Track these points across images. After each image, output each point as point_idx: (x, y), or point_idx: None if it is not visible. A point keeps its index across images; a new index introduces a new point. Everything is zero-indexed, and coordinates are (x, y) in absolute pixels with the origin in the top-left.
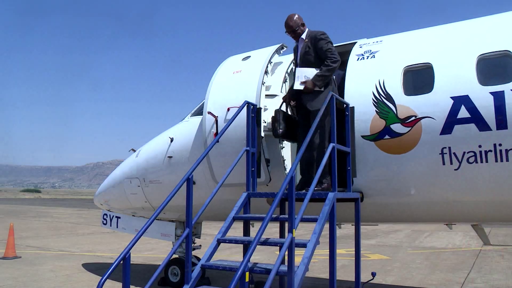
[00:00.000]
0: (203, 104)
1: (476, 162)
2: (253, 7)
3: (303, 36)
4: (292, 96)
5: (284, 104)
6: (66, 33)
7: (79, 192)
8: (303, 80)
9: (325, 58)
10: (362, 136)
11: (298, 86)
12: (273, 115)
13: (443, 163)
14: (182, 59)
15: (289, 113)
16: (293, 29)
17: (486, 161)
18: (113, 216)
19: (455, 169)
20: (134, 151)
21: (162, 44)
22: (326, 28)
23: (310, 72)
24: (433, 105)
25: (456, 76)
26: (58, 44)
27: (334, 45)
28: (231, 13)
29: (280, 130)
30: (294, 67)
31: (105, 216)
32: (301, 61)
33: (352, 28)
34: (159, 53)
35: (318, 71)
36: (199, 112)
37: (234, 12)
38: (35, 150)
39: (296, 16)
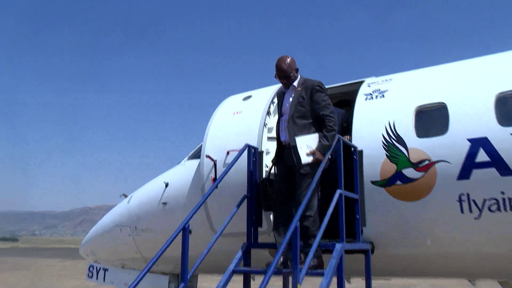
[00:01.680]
0: (200, 146)
1: (499, 211)
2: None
3: (295, 83)
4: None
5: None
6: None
7: (63, 240)
8: (308, 150)
9: (323, 116)
10: (372, 182)
11: (306, 159)
12: (260, 185)
13: (462, 211)
14: (187, 72)
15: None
16: (287, 75)
17: (511, 209)
18: (100, 268)
19: (475, 218)
20: (126, 196)
21: (167, 60)
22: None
23: (311, 140)
24: (448, 148)
25: (473, 117)
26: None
27: (341, 84)
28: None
29: (267, 204)
30: (278, 117)
31: (91, 268)
32: (293, 112)
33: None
34: (165, 70)
35: (320, 137)
36: (197, 155)
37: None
38: (12, 194)
39: (290, 58)
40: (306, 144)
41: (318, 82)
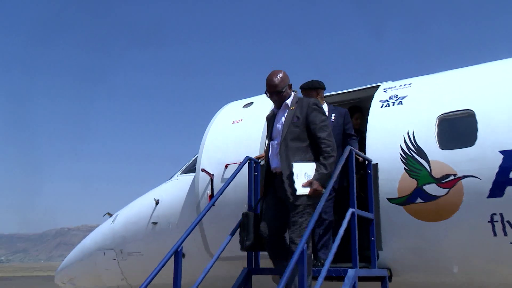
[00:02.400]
0: (196, 159)
1: None
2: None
3: (288, 101)
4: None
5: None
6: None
7: (35, 267)
8: (305, 180)
9: (319, 140)
10: (388, 199)
11: (301, 190)
12: (241, 219)
13: (494, 234)
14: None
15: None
16: (278, 90)
17: None
18: None
19: (511, 242)
20: (110, 215)
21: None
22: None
23: (309, 168)
24: (477, 161)
25: (506, 126)
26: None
27: (353, 89)
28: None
29: (248, 242)
30: (267, 141)
31: None
32: (286, 134)
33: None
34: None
35: (318, 165)
36: (191, 169)
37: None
38: None
39: (283, 73)
40: (304, 173)
41: (315, 100)
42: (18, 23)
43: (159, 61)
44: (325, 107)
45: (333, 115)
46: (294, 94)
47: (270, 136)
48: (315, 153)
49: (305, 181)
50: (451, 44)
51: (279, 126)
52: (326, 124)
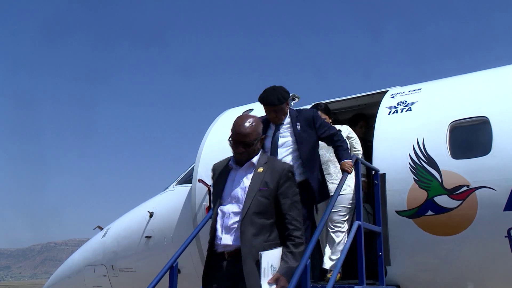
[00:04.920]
0: (192, 169)
1: None
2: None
3: (255, 160)
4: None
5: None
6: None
7: (18, 285)
8: (270, 275)
9: (287, 219)
10: (397, 212)
11: (267, 287)
12: None
13: None
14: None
15: None
16: (248, 142)
17: None
18: None
19: None
20: (101, 229)
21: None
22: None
23: (275, 258)
24: (492, 171)
25: None
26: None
27: (359, 95)
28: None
29: None
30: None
31: None
32: (251, 205)
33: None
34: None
35: (285, 253)
36: (188, 179)
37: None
38: None
39: (255, 121)
40: (270, 265)
41: (289, 167)
42: (22, 25)
43: (163, 63)
44: (288, 119)
45: (298, 123)
46: (263, 151)
47: (219, 198)
48: (280, 233)
49: (270, 275)
50: (449, 45)
51: (239, 191)
52: (298, 200)
